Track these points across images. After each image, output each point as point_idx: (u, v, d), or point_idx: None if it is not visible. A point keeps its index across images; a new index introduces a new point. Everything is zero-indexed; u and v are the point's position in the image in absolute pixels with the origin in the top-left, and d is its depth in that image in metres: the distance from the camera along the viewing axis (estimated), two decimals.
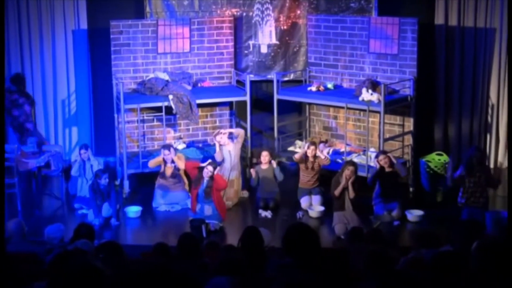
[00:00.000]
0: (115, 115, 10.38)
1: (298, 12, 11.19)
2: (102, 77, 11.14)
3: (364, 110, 10.11)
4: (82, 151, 9.80)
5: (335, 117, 11.13)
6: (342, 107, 10.31)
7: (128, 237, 9.10)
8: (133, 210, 9.50)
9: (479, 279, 4.06)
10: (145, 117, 10.76)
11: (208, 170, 9.07)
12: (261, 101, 11.32)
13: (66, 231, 7.20)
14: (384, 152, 9.34)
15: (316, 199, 9.64)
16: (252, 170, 9.76)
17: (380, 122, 9.86)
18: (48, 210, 9.83)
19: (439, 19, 11.05)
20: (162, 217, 9.58)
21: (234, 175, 9.88)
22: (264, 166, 9.72)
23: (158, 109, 10.33)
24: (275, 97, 10.57)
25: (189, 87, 10.65)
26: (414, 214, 9.20)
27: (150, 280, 3.05)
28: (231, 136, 9.99)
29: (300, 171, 9.74)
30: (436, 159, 10.04)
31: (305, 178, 9.67)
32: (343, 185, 8.86)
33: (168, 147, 9.85)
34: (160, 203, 9.74)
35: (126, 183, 10.08)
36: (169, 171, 9.75)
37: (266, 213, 9.51)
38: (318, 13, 11.07)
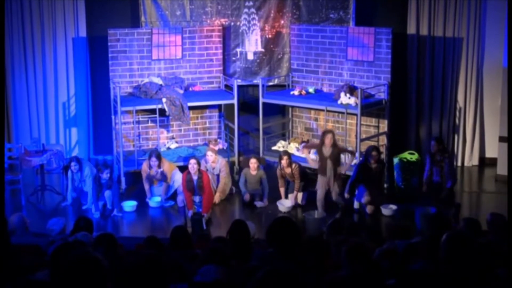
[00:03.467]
0: (112, 117, 10.33)
1: (282, 22, 11.21)
2: (100, 81, 11.09)
3: (342, 113, 10.15)
4: (73, 163, 9.53)
5: (316, 119, 11.16)
6: (322, 110, 10.33)
7: (124, 230, 9.07)
8: (129, 205, 9.47)
9: (447, 268, 4.08)
10: (140, 119, 10.73)
11: (192, 164, 8.93)
12: (248, 104, 11.32)
13: (67, 224, 7.17)
14: (376, 149, 9.28)
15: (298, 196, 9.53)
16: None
17: (357, 124, 9.90)
18: (50, 204, 9.78)
19: (411, 29, 11.10)
20: (156, 211, 9.56)
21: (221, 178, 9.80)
22: (253, 172, 9.65)
23: (153, 111, 10.31)
24: (261, 100, 10.59)
25: (181, 91, 10.64)
26: (388, 209, 9.23)
27: (143, 270, 3.04)
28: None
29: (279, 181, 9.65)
30: (408, 158, 10.09)
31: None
32: (325, 154, 8.82)
33: (154, 153, 9.60)
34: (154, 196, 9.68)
35: (123, 180, 10.05)
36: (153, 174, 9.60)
37: (260, 203, 9.49)
38: (300, 23, 11.09)
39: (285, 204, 9.41)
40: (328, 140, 8.82)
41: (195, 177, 8.91)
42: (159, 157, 9.55)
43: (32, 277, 4.31)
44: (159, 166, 9.55)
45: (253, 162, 9.64)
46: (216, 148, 10.35)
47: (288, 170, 9.43)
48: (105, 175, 9.17)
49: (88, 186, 9.40)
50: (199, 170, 8.97)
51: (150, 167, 9.58)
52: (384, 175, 9.70)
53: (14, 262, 4.65)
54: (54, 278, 4.04)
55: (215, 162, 9.73)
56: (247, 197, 9.59)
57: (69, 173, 9.56)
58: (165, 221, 9.13)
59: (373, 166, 9.06)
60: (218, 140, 11.01)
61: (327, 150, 8.87)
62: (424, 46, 11.10)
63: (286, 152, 9.63)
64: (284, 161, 9.36)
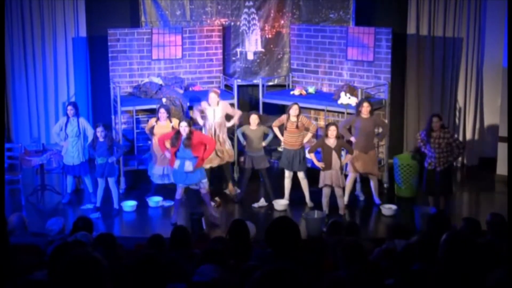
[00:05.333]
0: (112, 117, 10.32)
1: (282, 22, 11.21)
2: (100, 81, 11.09)
3: (342, 113, 10.14)
4: (69, 107, 9.50)
5: (316, 119, 11.12)
6: (322, 110, 10.33)
7: (124, 230, 9.06)
8: (129, 205, 9.47)
9: (446, 268, 4.08)
10: (140, 119, 10.72)
11: (183, 127, 8.58)
12: (248, 104, 11.31)
13: (66, 224, 7.16)
14: (367, 101, 9.23)
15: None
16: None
17: None
18: (49, 204, 9.77)
19: (411, 29, 11.10)
20: (155, 211, 9.55)
21: (222, 141, 9.59)
22: (252, 127, 9.41)
23: (152, 111, 10.29)
24: (261, 100, 10.59)
25: (181, 91, 10.64)
26: (387, 208, 9.23)
27: (140, 269, 3.04)
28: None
29: (284, 133, 9.41)
30: (408, 157, 10.07)
31: (289, 138, 9.37)
32: (330, 146, 8.77)
33: (164, 106, 9.56)
34: (157, 178, 9.58)
35: (122, 180, 10.05)
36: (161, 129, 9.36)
37: (259, 203, 9.47)
38: (300, 23, 11.09)
39: (280, 203, 9.41)
40: (331, 132, 8.78)
41: (184, 135, 8.61)
42: (168, 111, 9.50)
43: (30, 277, 4.30)
44: (169, 120, 9.42)
45: (253, 119, 9.38)
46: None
47: (294, 119, 9.25)
48: (98, 133, 9.01)
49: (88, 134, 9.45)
50: (190, 131, 8.64)
51: (157, 119, 9.46)
52: (377, 127, 9.49)
53: (13, 262, 4.65)
54: (53, 278, 4.03)
55: (217, 104, 9.56)
56: (243, 144, 9.45)
57: (57, 127, 9.58)
58: (165, 221, 9.11)
59: (365, 117, 9.03)
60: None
61: (331, 142, 8.81)
62: (424, 46, 11.10)
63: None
64: (292, 110, 9.19)
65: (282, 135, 9.49)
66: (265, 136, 9.52)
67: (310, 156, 9.19)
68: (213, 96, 9.61)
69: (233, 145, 10.33)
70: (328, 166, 8.84)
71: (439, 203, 8.88)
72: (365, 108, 9.11)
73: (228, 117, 9.83)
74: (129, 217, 9.35)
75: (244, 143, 9.48)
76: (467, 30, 10.91)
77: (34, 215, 9.13)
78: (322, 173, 8.91)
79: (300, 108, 9.43)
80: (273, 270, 2.64)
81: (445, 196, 8.91)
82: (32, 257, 5.36)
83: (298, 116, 9.31)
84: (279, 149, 10.23)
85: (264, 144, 9.51)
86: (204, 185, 8.79)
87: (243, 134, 9.48)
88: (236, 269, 4.42)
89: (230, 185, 9.87)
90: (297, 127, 9.31)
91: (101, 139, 9.07)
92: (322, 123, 10.78)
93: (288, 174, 9.51)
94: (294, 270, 2.61)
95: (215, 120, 9.59)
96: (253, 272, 2.76)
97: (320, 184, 8.92)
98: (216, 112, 9.63)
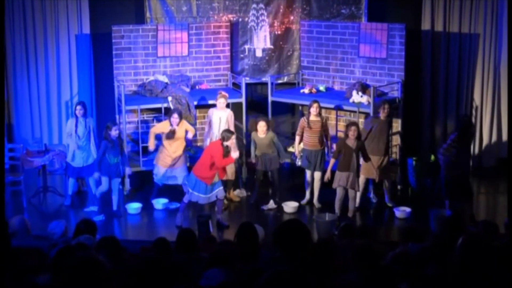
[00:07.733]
0: (117, 116, 10.37)
1: (292, 17, 11.21)
2: (104, 79, 11.13)
3: (354, 112, 10.13)
4: (78, 107, 9.54)
5: (327, 118, 11.13)
6: (334, 109, 10.33)
7: (129, 233, 9.09)
8: (134, 207, 9.50)
9: (461, 272, 4.07)
10: (145, 118, 10.76)
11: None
12: (256, 102, 11.33)
13: (68, 226, 7.19)
14: (388, 103, 9.29)
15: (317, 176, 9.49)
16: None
17: None
18: (52, 206, 9.82)
19: (425, 25, 11.07)
20: (160, 214, 9.57)
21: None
22: (261, 135, 9.44)
23: (158, 110, 10.34)
24: (270, 98, 10.59)
25: (187, 89, 10.66)
26: (401, 211, 9.21)
27: (144, 273, 3.05)
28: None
29: (305, 133, 9.46)
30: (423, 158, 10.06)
31: (309, 138, 9.43)
32: (351, 147, 8.73)
33: (176, 111, 9.61)
34: (161, 178, 9.61)
35: (127, 181, 10.08)
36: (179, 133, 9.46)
37: (268, 206, 9.48)
38: (310, 19, 11.09)
39: (290, 205, 9.42)
40: (352, 132, 8.74)
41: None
42: (181, 115, 9.53)
43: (33, 280, 4.33)
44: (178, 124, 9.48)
45: (261, 126, 9.41)
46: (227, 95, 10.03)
47: (316, 119, 9.32)
48: (114, 132, 9.03)
49: (92, 144, 9.58)
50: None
51: (170, 124, 9.47)
52: (391, 129, 9.60)
53: (15, 264, 4.68)
54: (57, 281, 4.06)
55: (224, 109, 9.69)
56: (252, 161, 9.54)
57: (70, 124, 9.61)
58: (170, 223, 9.13)
59: (382, 119, 9.14)
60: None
61: (352, 143, 8.77)
62: (439, 43, 11.07)
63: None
64: (314, 109, 9.23)
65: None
66: (274, 144, 9.50)
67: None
68: (222, 102, 9.70)
69: (239, 146, 10.34)
70: (347, 167, 8.77)
71: (455, 206, 8.84)
72: (387, 110, 9.12)
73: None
74: (134, 219, 9.38)
75: (254, 152, 9.51)
76: (483, 25, 10.87)
77: (36, 217, 9.19)
78: (338, 174, 8.87)
79: (320, 107, 9.46)
80: (279, 273, 2.66)
81: (464, 201, 8.89)
82: (34, 260, 5.39)
83: (320, 114, 9.38)
84: (289, 149, 10.21)
85: (278, 148, 9.54)
86: (220, 193, 8.87)
87: (253, 141, 9.51)
88: (243, 272, 4.43)
89: (232, 192, 9.86)
90: (322, 125, 9.38)
91: (113, 137, 9.12)
92: (333, 122, 10.78)
93: (309, 174, 9.54)
94: (300, 273, 2.62)
95: (219, 131, 9.49)
96: (259, 275, 2.77)
97: (335, 185, 8.89)
98: (222, 119, 9.67)
